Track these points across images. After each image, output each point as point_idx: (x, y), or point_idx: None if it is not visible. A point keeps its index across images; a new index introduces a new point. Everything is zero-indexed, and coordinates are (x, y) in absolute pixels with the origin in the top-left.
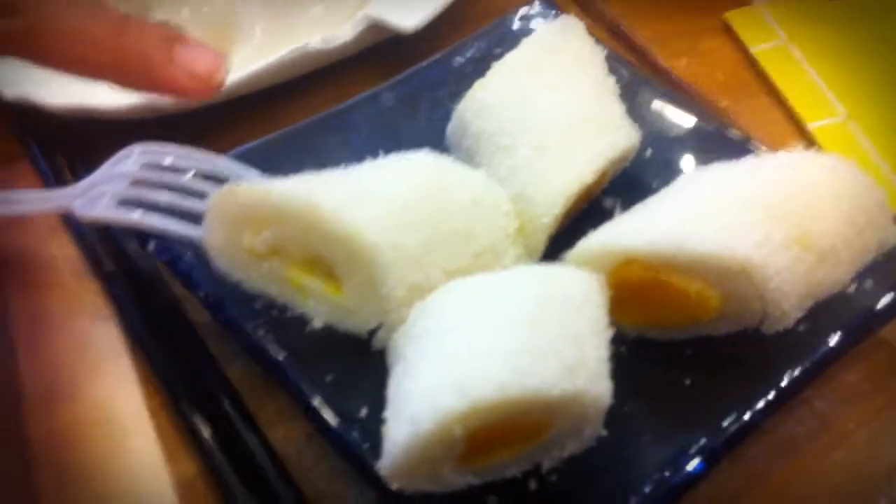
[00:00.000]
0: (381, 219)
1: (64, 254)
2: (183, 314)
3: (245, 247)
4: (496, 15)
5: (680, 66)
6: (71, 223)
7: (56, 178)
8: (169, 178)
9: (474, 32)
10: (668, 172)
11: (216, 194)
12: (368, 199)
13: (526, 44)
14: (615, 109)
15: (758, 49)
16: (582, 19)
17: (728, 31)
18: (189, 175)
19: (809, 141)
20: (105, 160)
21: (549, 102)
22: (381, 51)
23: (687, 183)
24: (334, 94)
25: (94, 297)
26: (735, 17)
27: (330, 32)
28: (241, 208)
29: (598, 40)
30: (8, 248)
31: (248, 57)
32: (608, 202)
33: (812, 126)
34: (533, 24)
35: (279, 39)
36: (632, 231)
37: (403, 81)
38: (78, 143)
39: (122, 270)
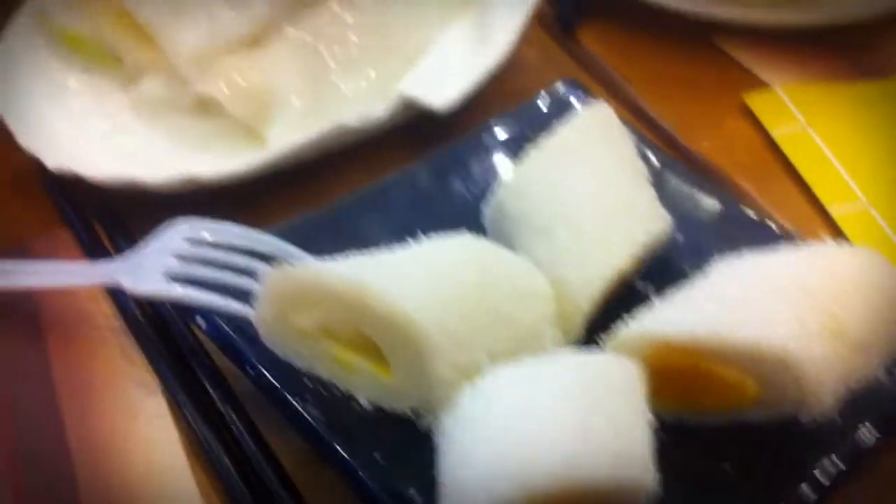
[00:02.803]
0: (428, 301)
1: (108, 324)
2: (228, 387)
3: (295, 326)
4: (524, 93)
5: (704, 148)
6: (114, 295)
7: (97, 248)
8: (215, 254)
9: (505, 113)
10: (699, 256)
11: (269, 275)
12: (415, 281)
13: (560, 129)
14: (648, 195)
15: (778, 133)
16: (607, 100)
17: (749, 113)
18: (234, 251)
19: (832, 226)
20: (146, 232)
21: (585, 188)
22: (414, 126)
23: (720, 271)
24: (369, 171)
25: (139, 368)
26: (754, 101)
27: (365, 109)
28: (294, 289)
29: (627, 123)
30: (51, 317)
31: (285, 134)
32: (641, 285)
33: (833, 211)
34: (561, 105)
35: (315, 116)
36: (670, 318)
37: (437, 160)
38: (118, 214)
39: (166, 342)
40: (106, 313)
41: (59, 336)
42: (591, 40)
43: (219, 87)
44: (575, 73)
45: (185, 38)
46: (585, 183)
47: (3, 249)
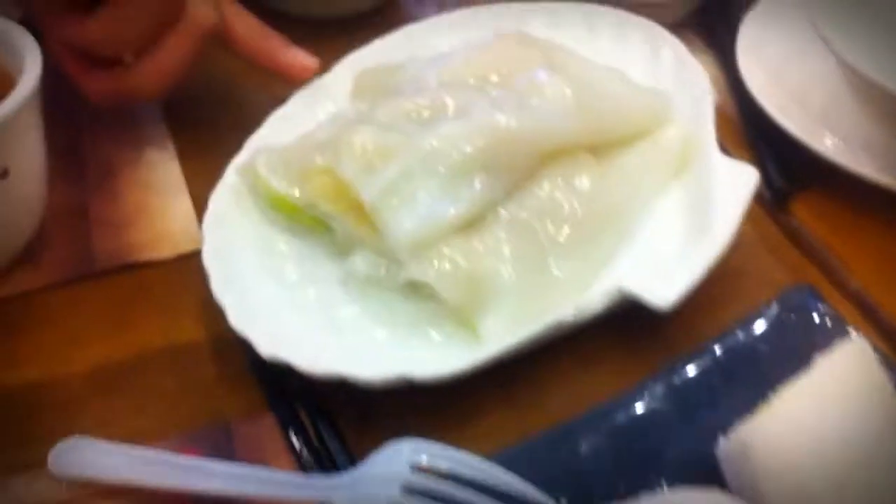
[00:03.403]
0: None
1: None
2: None
3: None
4: (733, 273)
5: None
6: None
7: (302, 439)
8: (444, 487)
9: (732, 325)
10: None
11: None
12: None
13: (814, 368)
14: None
15: None
16: (829, 293)
17: None
18: (463, 483)
19: None
20: (353, 423)
21: (848, 443)
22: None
23: None
24: (580, 360)
25: None
26: None
27: (580, 299)
28: None
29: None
30: None
31: (498, 321)
32: None
33: None
34: (796, 314)
35: (528, 301)
36: None
37: (665, 378)
38: (325, 402)
39: None
40: None
41: None
42: (806, 212)
43: (433, 273)
44: (787, 250)
45: (405, 222)
46: (848, 437)
47: (206, 429)
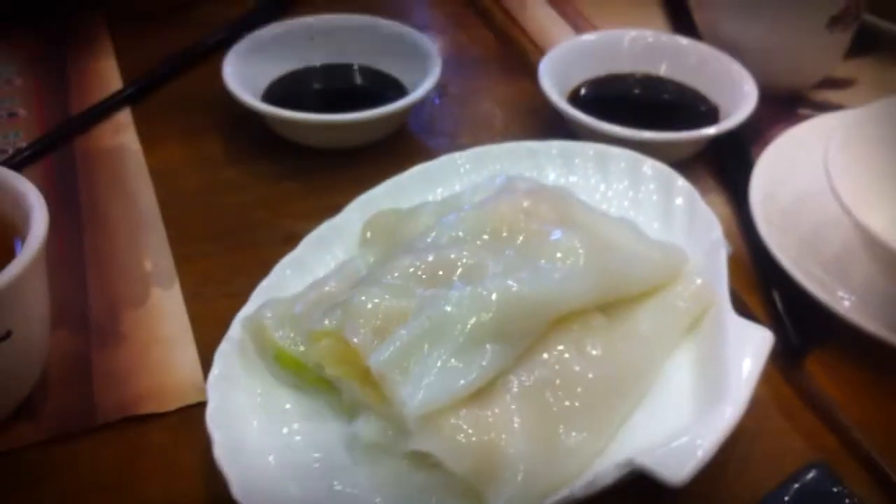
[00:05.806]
0: None
1: None
2: None
3: None
4: (755, 452)
5: None
6: None
7: None
8: None
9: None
10: None
11: None
12: None
13: None
14: None
15: None
16: (845, 464)
17: None
18: None
19: None
20: None
21: None
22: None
23: None
24: None
25: None
26: None
27: (590, 472)
28: None
29: None
30: None
31: (507, 493)
32: None
33: None
34: (812, 498)
35: (539, 472)
36: None
37: None
38: None
39: None
40: None
41: None
42: (821, 371)
43: (440, 444)
44: (802, 414)
45: (414, 393)
46: None
47: None
